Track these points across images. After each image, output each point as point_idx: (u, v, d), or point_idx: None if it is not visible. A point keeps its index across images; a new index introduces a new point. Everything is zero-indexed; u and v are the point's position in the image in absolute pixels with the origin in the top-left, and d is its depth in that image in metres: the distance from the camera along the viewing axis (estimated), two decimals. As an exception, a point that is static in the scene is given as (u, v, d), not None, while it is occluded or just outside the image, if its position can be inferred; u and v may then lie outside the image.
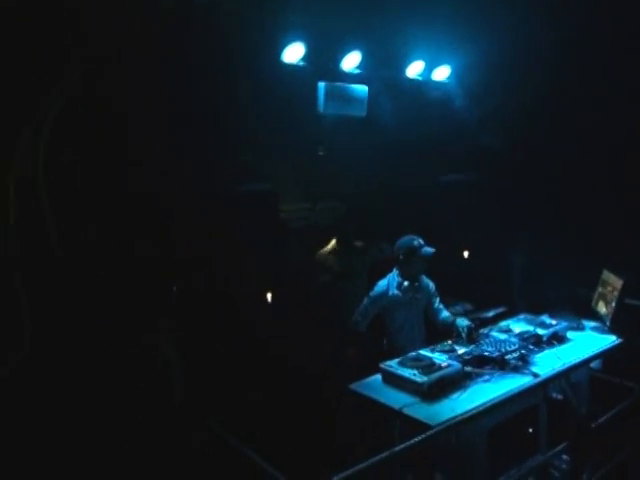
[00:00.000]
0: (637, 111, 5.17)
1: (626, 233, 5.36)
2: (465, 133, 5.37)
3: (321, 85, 4.36)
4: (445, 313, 4.36)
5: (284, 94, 4.24)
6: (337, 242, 4.85)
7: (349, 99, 4.49)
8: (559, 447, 4.01)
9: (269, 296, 4.59)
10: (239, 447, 2.80)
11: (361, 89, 4.56)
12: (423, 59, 4.79)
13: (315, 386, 4.19)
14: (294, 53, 4.23)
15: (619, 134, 5.44)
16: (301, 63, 4.25)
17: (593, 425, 3.92)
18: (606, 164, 5.57)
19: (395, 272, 4.36)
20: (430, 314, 4.41)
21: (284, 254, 4.83)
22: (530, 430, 4.32)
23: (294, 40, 4.10)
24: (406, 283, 4.27)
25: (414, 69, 4.88)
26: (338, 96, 4.42)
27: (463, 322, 4.11)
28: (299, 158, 4.97)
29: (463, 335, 3.97)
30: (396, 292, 4.28)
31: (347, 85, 4.47)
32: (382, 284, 4.35)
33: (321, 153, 5.16)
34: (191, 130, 4.00)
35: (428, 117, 5.26)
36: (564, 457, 4.16)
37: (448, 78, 5.11)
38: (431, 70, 4.99)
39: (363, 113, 4.62)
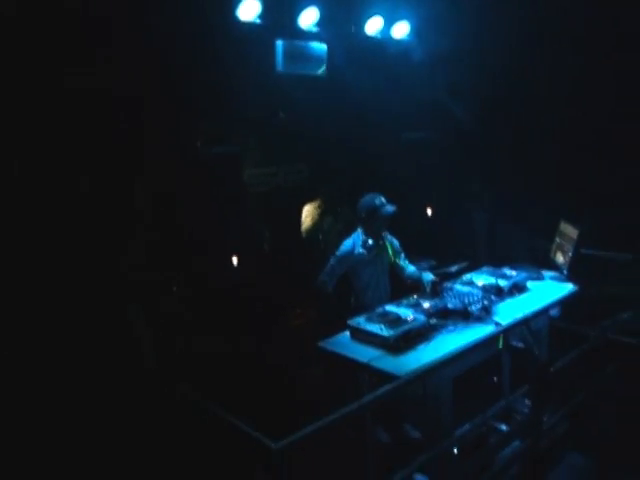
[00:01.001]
0: (586, 71, 5.28)
1: (581, 187, 5.53)
2: (426, 92, 5.35)
3: (279, 43, 4.26)
4: (411, 268, 4.44)
5: (240, 53, 4.14)
6: (321, 202, 4.92)
7: (308, 58, 4.42)
8: (520, 392, 4.19)
9: (235, 259, 4.58)
10: (209, 408, 2.82)
11: (320, 47, 4.49)
12: (381, 15, 4.72)
13: (285, 346, 4.25)
14: (249, 10, 4.11)
15: (577, 95, 5.55)
16: (257, 21, 4.14)
17: (552, 370, 4.10)
18: (563, 122, 5.69)
19: (360, 231, 4.40)
20: (396, 270, 4.48)
21: (247, 217, 4.80)
22: (494, 378, 4.52)
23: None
24: (370, 241, 4.31)
25: (373, 26, 4.82)
26: (297, 55, 4.35)
27: (428, 276, 4.20)
28: (260, 121, 4.87)
29: (427, 289, 4.06)
30: (361, 250, 4.32)
31: (305, 43, 4.39)
32: (347, 243, 4.39)
33: (282, 115, 5.07)
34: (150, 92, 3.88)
35: (389, 75, 5.23)
36: (525, 402, 4.36)
37: (408, 35, 5.06)
38: (390, 27, 4.93)
39: (323, 72, 4.56)
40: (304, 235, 5.21)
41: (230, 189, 4.60)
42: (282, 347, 4.67)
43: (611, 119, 5.54)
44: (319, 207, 5.16)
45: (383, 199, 4.30)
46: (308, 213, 5.25)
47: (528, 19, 5.17)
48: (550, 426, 4.24)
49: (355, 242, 4.38)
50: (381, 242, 4.36)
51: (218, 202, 4.37)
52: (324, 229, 5.18)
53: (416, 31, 5.07)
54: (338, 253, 4.37)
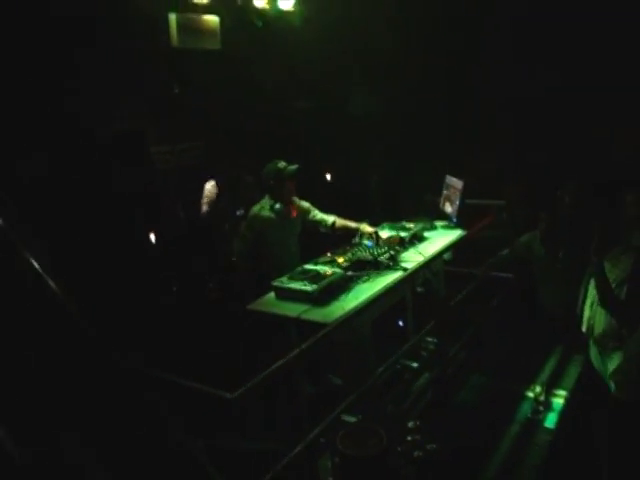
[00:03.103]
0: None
1: (463, 145, 6.17)
2: (306, 60, 5.55)
3: (172, 17, 4.22)
4: (331, 218, 4.63)
5: (132, 28, 4.06)
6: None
7: (202, 31, 4.41)
8: (425, 329, 4.69)
9: (152, 236, 4.55)
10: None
11: (213, 20, 4.50)
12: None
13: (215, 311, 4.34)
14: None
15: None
16: (147, -6, 4.07)
17: (451, 305, 4.64)
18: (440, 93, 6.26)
19: (267, 197, 4.54)
20: (315, 226, 4.66)
21: (156, 196, 4.75)
22: (400, 322, 4.98)
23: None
24: (278, 205, 4.48)
25: (261, -2, 4.93)
26: (191, 28, 4.32)
27: (368, 228, 4.49)
28: (155, 97, 4.80)
29: (372, 242, 4.33)
30: (269, 214, 4.47)
31: (199, 16, 4.39)
32: (255, 208, 4.50)
33: (177, 90, 5.02)
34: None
35: (279, 46, 5.37)
36: (429, 339, 4.88)
37: (295, 6, 5.23)
38: (277, -1, 5.07)
39: (218, 45, 4.58)
40: (205, 216, 5.17)
41: (138, 168, 4.51)
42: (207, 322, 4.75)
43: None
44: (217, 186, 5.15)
45: (284, 162, 4.49)
46: (208, 193, 5.24)
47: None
48: (453, 355, 4.82)
49: (263, 207, 4.53)
50: (290, 205, 4.55)
51: (128, 183, 4.28)
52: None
53: (302, 2, 5.24)
54: (247, 219, 4.50)
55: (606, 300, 3.25)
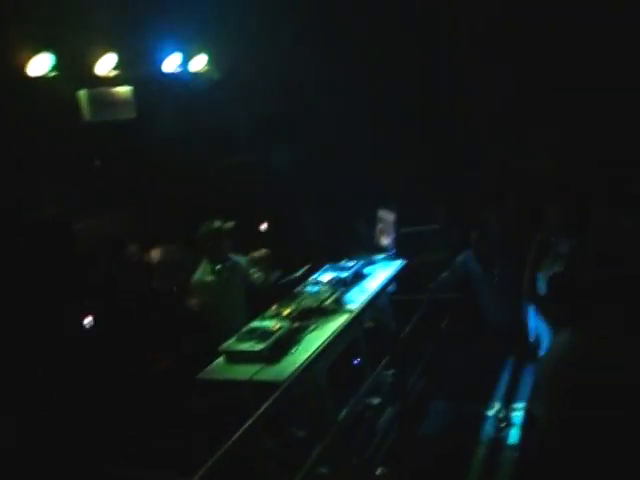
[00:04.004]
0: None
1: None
2: (236, 117, 5.64)
3: (82, 93, 4.17)
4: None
5: (42, 109, 3.98)
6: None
7: (114, 103, 4.37)
8: (382, 364, 4.71)
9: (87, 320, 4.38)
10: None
11: (125, 91, 4.48)
12: (180, 51, 4.89)
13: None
14: (40, 65, 3.96)
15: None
16: (53, 74, 4.01)
17: (403, 336, 4.69)
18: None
19: (203, 265, 4.48)
20: (258, 285, 4.65)
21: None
22: (355, 360, 4.98)
23: (39, 51, 3.84)
24: (219, 266, 4.44)
25: (172, 62, 4.95)
26: (102, 102, 4.28)
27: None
28: (78, 172, 4.69)
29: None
30: (212, 278, 4.43)
31: (110, 89, 4.35)
32: (197, 275, 4.45)
33: (97, 162, 4.93)
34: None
35: (196, 106, 5.40)
36: (387, 372, 4.90)
37: (207, 65, 5.29)
38: (189, 60, 5.11)
39: (133, 114, 4.56)
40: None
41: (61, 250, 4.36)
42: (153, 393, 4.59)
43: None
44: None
45: (218, 220, 4.48)
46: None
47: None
48: (411, 385, 4.86)
49: (204, 272, 4.47)
50: (228, 264, 4.52)
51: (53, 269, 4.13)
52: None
53: (214, 62, 5.31)
54: (193, 287, 4.43)
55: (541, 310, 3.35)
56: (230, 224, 4.44)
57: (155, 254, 4.62)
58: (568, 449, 2.43)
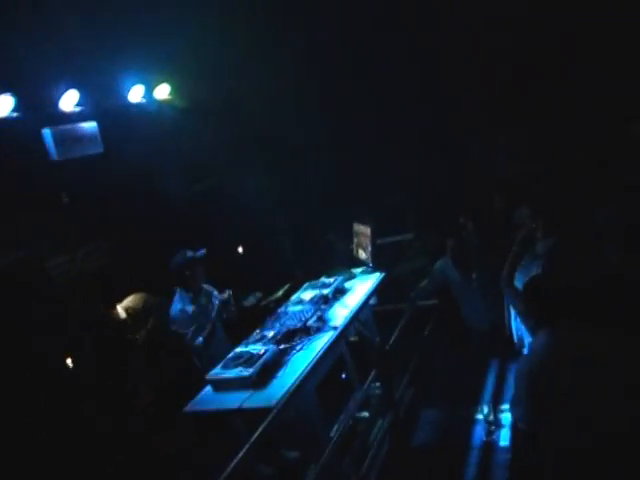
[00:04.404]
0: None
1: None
2: (204, 141, 5.64)
3: (46, 132, 4.12)
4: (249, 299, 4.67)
5: (8, 150, 3.93)
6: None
7: (80, 139, 4.34)
8: (369, 378, 4.73)
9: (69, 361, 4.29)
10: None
11: (90, 126, 4.45)
12: (142, 82, 4.89)
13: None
14: (2, 106, 3.91)
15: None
16: (14, 114, 3.96)
17: (387, 348, 4.72)
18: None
19: (178, 294, 4.47)
20: (232, 312, 4.65)
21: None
22: (342, 375, 4.99)
23: (-1, 93, 3.81)
24: (192, 294, 4.44)
25: (135, 94, 4.95)
26: (68, 139, 4.24)
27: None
28: (45, 211, 4.60)
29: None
30: (193, 308, 4.41)
31: (75, 125, 4.32)
32: (175, 307, 4.42)
33: (66, 199, 4.86)
34: None
35: (162, 135, 5.40)
36: (376, 384, 4.92)
37: (170, 94, 5.30)
38: (152, 90, 5.12)
39: (100, 149, 4.53)
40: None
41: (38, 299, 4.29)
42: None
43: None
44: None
45: (189, 250, 4.48)
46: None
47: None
48: (400, 396, 4.88)
49: (183, 302, 4.45)
50: (203, 292, 4.53)
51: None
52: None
53: (177, 89, 5.33)
54: (173, 318, 4.39)
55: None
56: (202, 252, 4.44)
57: (122, 308, 4.58)
58: (548, 451, 2.45)
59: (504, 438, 4.11)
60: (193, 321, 4.34)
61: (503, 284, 3.37)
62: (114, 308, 4.71)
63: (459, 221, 5.16)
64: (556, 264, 3.66)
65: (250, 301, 5.02)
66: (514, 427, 4.06)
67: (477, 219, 5.14)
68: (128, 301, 4.63)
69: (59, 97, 4.23)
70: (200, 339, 4.34)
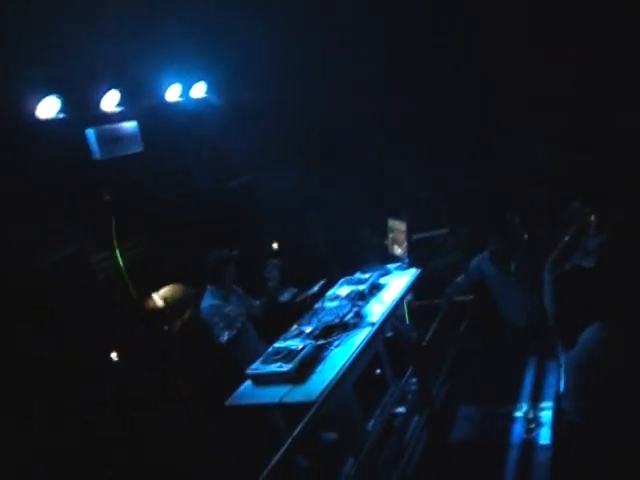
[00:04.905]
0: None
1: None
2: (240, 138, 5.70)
3: (90, 132, 4.24)
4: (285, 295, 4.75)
5: (51, 150, 4.06)
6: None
7: (122, 139, 4.45)
8: (406, 374, 4.72)
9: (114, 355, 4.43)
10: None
11: (131, 126, 4.55)
12: (179, 81, 4.99)
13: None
14: (48, 108, 4.04)
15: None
16: (61, 115, 4.09)
17: (424, 344, 4.69)
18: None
19: (209, 291, 4.55)
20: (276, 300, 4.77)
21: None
22: (377, 370, 4.99)
23: (45, 95, 3.92)
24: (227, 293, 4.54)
25: (173, 93, 5.03)
26: (110, 139, 4.35)
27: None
28: (89, 208, 4.74)
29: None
30: (223, 304, 4.50)
31: (116, 125, 4.43)
32: (206, 302, 4.52)
33: (107, 197, 4.98)
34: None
35: (199, 133, 5.49)
36: (412, 380, 4.91)
37: (207, 92, 5.38)
38: (189, 89, 5.20)
39: (140, 148, 4.63)
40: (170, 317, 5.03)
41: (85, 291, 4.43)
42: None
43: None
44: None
45: (225, 250, 4.57)
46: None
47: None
48: (437, 392, 4.85)
49: (212, 298, 4.53)
50: (233, 291, 4.61)
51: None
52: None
53: (214, 88, 5.40)
54: (205, 315, 4.49)
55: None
56: (236, 252, 4.52)
57: (159, 297, 4.68)
58: (602, 445, 2.43)
59: (544, 436, 4.04)
60: (221, 317, 4.41)
61: (547, 269, 3.28)
62: (149, 296, 4.82)
63: (505, 217, 5.07)
64: (609, 260, 3.57)
65: (285, 297, 5.10)
66: (556, 424, 4.01)
67: (523, 214, 5.04)
68: (166, 290, 4.72)
69: (101, 98, 4.33)
70: (225, 336, 4.40)
